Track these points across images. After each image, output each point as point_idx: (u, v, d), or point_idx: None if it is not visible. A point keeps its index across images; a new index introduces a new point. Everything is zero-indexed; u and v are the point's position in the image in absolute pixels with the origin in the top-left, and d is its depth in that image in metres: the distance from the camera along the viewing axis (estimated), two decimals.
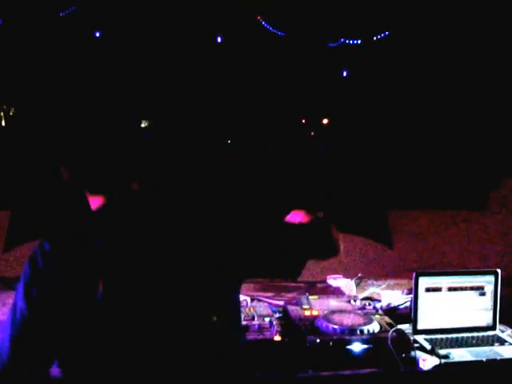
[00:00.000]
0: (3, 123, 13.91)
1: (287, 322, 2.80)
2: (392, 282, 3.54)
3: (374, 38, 12.08)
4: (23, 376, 1.78)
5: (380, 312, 2.90)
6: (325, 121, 15.06)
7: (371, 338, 2.58)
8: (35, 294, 1.78)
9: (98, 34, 12.30)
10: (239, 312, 2.06)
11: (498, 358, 2.60)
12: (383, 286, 3.44)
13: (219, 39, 12.81)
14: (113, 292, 1.77)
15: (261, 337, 2.63)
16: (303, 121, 15.10)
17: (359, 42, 12.27)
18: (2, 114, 13.90)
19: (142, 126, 14.97)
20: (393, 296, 3.24)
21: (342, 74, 13.45)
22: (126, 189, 1.92)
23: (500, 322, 2.88)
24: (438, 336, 2.76)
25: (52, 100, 12.38)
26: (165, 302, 1.82)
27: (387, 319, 2.79)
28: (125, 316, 1.79)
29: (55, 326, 1.77)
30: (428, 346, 2.65)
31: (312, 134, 14.76)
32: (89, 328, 1.78)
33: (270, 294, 3.26)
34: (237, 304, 2.03)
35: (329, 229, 2.17)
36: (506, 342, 2.75)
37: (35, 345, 1.78)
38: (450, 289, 2.82)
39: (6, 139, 12.05)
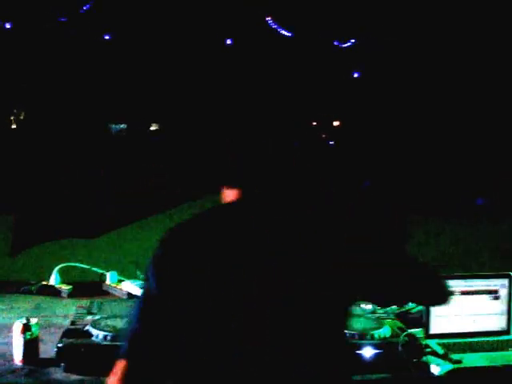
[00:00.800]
0: (14, 126, 13.96)
1: None
2: None
3: (386, 39, 12.04)
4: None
5: (391, 316, 2.86)
6: (336, 123, 15.04)
7: (382, 343, 2.53)
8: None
9: (108, 37, 12.33)
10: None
11: None
12: None
13: (228, 41, 12.81)
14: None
15: None
16: (314, 123, 15.08)
17: (370, 42, 12.23)
18: (12, 117, 13.95)
19: (152, 128, 14.99)
20: None
21: (353, 75, 13.42)
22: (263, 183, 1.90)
23: None
24: (451, 340, 2.71)
25: (62, 103, 12.42)
26: (282, 314, 1.75)
27: (398, 323, 2.75)
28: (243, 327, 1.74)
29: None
30: (440, 351, 2.60)
31: (323, 136, 14.73)
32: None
33: None
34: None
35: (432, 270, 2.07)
36: None
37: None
38: (463, 292, 2.77)
39: (17, 142, 12.08)
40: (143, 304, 1.78)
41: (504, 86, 11.29)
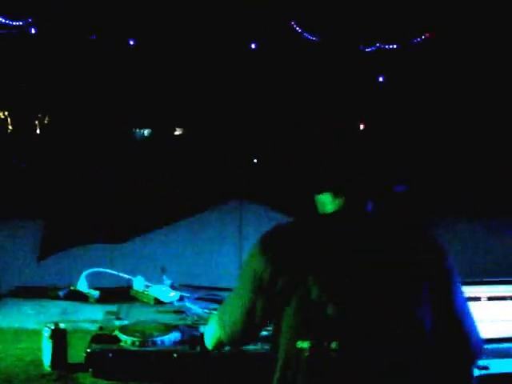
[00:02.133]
0: (38, 131, 14.07)
1: None
2: None
3: (411, 43, 11.99)
4: None
5: None
6: (361, 126, 14.98)
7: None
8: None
9: (132, 42, 12.40)
10: None
11: None
12: None
13: (253, 45, 12.83)
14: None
15: None
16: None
17: (396, 46, 12.18)
18: (36, 122, 14.06)
19: (176, 133, 15.04)
20: None
21: (378, 79, 13.37)
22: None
23: None
24: None
25: (86, 108, 12.50)
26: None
27: None
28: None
29: None
30: None
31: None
32: None
33: None
34: None
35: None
36: None
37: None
38: (490, 298, 2.76)
39: (41, 147, 12.18)
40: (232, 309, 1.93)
41: None
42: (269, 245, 1.85)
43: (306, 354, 1.75)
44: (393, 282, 1.80)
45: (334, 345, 1.73)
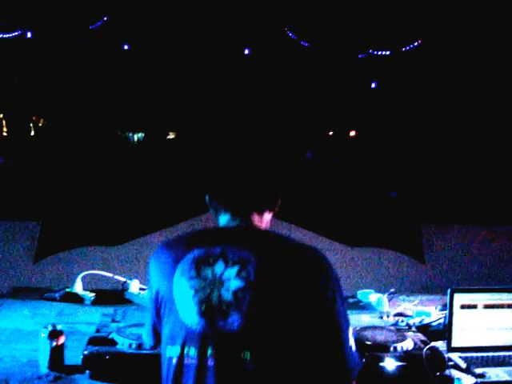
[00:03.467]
0: (33, 133, 14.06)
1: None
2: (425, 297, 3.48)
3: (403, 49, 12.03)
4: None
5: (413, 329, 2.85)
6: (352, 133, 15.03)
7: (405, 356, 2.53)
8: None
9: (126, 47, 12.40)
10: None
11: None
12: (416, 301, 3.39)
13: (247, 51, 12.85)
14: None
15: None
16: (330, 133, 15.08)
17: (388, 53, 12.22)
18: (31, 124, 14.05)
19: (169, 137, 15.05)
20: (426, 312, 3.18)
21: (371, 85, 13.41)
22: None
23: None
24: (474, 354, 2.70)
25: (81, 111, 12.50)
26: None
27: (421, 336, 2.74)
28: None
29: None
30: (463, 365, 2.59)
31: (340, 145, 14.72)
32: None
33: None
34: None
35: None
36: None
37: None
38: (486, 306, 2.76)
39: (36, 149, 12.16)
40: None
41: None
42: (155, 256, 2.00)
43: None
44: (268, 296, 1.82)
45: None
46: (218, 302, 1.81)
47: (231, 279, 1.82)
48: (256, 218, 2.01)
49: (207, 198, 2.07)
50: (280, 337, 1.81)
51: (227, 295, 1.80)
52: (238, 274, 1.82)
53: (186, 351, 1.84)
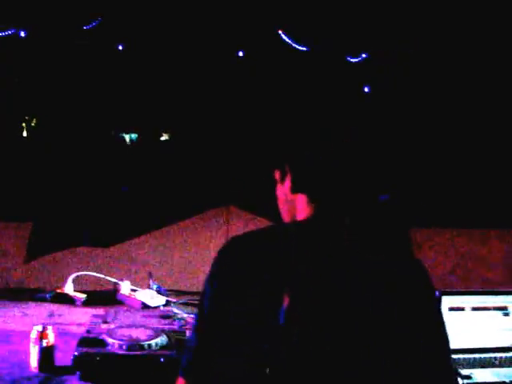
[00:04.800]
0: (25, 134, 14.03)
1: None
2: None
3: (397, 53, 12.07)
4: None
5: None
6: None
7: None
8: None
9: (120, 48, 12.41)
10: None
11: None
12: None
13: (240, 53, 12.86)
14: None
15: None
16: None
17: (382, 57, 12.26)
18: (24, 124, 14.02)
19: (163, 138, 15.05)
20: None
21: (364, 89, 13.44)
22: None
23: None
24: (461, 356, 2.72)
25: (73, 111, 12.48)
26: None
27: None
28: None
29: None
30: None
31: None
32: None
33: None
34: None
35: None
36: None
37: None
38: (474, 308, 2.79)
39: (28, 150, 12.14)
40: (198, 319, 1.65)
41: None
42: (225, 262, 1.62)
43: None
44: (361, 310, 1.52)
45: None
46: None
47: None
48: None
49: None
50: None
51: None
52: None
53: None
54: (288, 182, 1.70)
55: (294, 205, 1.68)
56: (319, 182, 1.67)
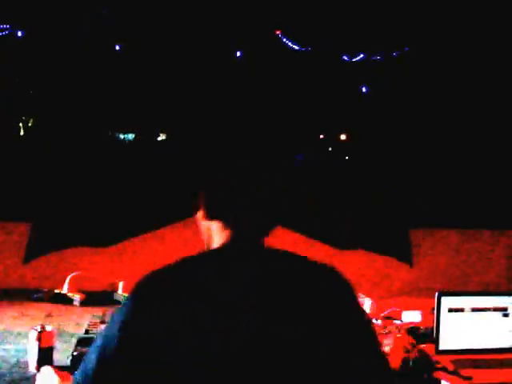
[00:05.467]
0: (22, 133, 14.01)
1: None
2: (413, 300, 3.50)
3: (395, 54, 12.08)
4: None
5: (401, 331, 2.87)
6: (343, 137, 15.05)
7: None
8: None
9: (118, 48, 12.39)
10: None
11: None
12: (404, 304, 3.40)
13: (238, 54, 12.86)
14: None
15: None
16: (321, 136, 15.10)
17: (379, 57, 12.27)
18: (21, 124, 14.00)
19: (160, 138, 15.04)
20: (414, 315, 3.20)
21: (362, 89, 13.44)
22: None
23: None
24: (461, 357, 2.72)
25: (71, 111, 12.47)
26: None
27: (409, 339, 2.75)
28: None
29: None
30: (451, 367, 2.61)
31: (330, 149, 14.76)
32: None
33: None
34: None
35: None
36: None
37: None
38: (474, 309, 2.79)
39: (25, 149, 12.12)
40: (98, 357, 1.49)
41: None
42: (141, 294, 1.53)
43: None
44: (288, 337, 1.49)
45: None
46: None
47: None
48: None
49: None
50: None
51: None
52: None
53: None
54: (202, 210, 1.67)
55: (210, 232, 1.66)
56: (230, 208, 1.63)
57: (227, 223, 1.62)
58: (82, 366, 1.53)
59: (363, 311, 1.66)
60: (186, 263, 1.56)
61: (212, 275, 1.51)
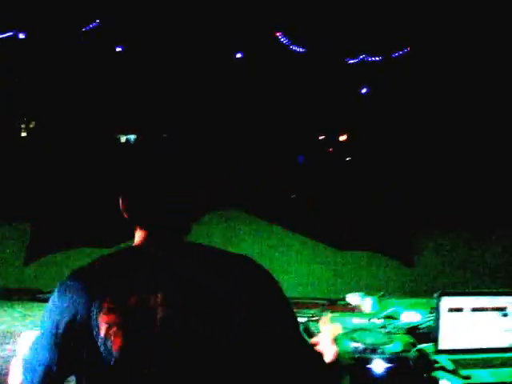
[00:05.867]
0: (24, 135, 14.03)
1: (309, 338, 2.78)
2: (413, 300, 3.50)
3: (394, 55, 12.10)
4: None
5: (402, 331, 2.87)
6: (343, 137, 15.06)
7: (393, 358, 2.56)
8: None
9: (119, 49, 12.42)
10: None
11: None
12: (404, 304, 3.41)
13: (239, 55, 12.88)
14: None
15: None
16: (321, 137, 15.12)
17: (379, 58, 12.28)
18: (22, 125, 14.02)
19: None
20: (414, 315, 3.21)
21: (362, 90, 13.46)
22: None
23: None
24: (461, 356, 2.73)
25: (72, 112, 12.48)
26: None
27: (409, 338, 2.77)
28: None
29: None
30: (450, 367, 2.62)
31: (330, 150, 14.77)
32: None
33: None
34: None
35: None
36: None
37: None
38: (473, 309, 2.79)
39: (27, 151, 12.14)
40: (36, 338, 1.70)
41: None
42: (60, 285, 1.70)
43: None
44: (201, 321, 1.63)
45: None
46: None
47: None
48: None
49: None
50: None
51: None
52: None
53: None
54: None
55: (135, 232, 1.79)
56: (143, 213, 1.78)
57: (142, 225, 1.77)
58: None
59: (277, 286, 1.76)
60: (101, 258, 1.74)
61: (120, 266, 1.70)
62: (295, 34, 12.36)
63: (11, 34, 11.11)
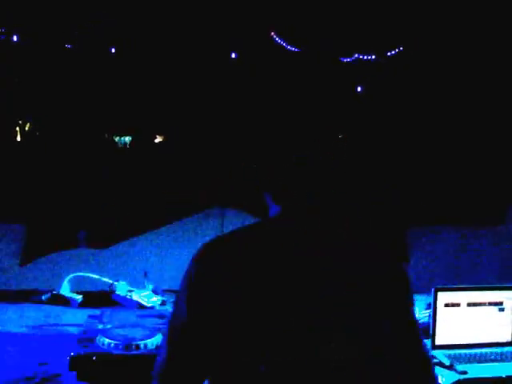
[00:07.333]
0: (19, 138, 14.02)
1: None
2: None
3: (389, 54, 12.11)
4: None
5: None
6: (339, 136, 15.07)
7: None
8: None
9: (113, 50, 12.41)
10: None
11: None
12: None
13: (233, 55, 12.89)
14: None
15: None
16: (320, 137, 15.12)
17: (374, 57, 12.30)
18: (18, 128, 14.01)
19: (157, 140, 15.05)
20: None
21: (357, 89, 13.47)
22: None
23: None
24: (457, 351, 2.74)
25: (67, 114, 12.48)
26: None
27: None
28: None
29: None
30: (447, 362, 2.62)
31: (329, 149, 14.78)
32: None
33: None
34: None
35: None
36: None
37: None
38: (469, 304, 2.80)
39: (23, 152, 12.13)
40: (171, 331, 1.63)
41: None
42: (200, 268, 1.60)
43: None
44: (338, 299, 1.58)
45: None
46: None
47: None
48: None
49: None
50: None
51: None
52: None
53: None
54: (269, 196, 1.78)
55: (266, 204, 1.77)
56: (289, 193, 1.75)
57: (275, 197, 1.74)
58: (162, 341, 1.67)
59: (404, 281, 1.71)
60: (242, 230, 1.70)
61: (269, 238, 1.64)
62: (290, 34, 12.37)
63: (3, 36, 11.10)
